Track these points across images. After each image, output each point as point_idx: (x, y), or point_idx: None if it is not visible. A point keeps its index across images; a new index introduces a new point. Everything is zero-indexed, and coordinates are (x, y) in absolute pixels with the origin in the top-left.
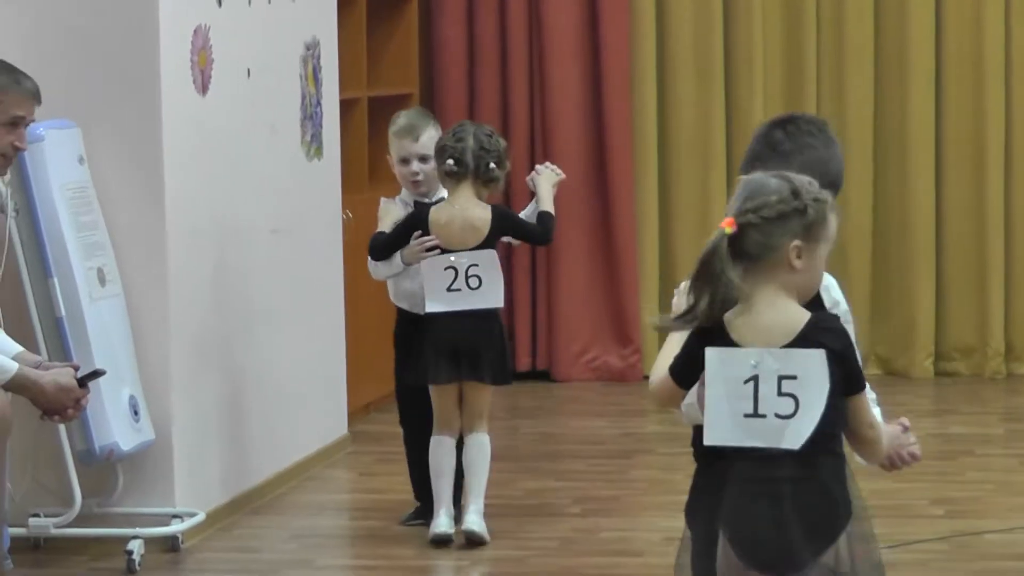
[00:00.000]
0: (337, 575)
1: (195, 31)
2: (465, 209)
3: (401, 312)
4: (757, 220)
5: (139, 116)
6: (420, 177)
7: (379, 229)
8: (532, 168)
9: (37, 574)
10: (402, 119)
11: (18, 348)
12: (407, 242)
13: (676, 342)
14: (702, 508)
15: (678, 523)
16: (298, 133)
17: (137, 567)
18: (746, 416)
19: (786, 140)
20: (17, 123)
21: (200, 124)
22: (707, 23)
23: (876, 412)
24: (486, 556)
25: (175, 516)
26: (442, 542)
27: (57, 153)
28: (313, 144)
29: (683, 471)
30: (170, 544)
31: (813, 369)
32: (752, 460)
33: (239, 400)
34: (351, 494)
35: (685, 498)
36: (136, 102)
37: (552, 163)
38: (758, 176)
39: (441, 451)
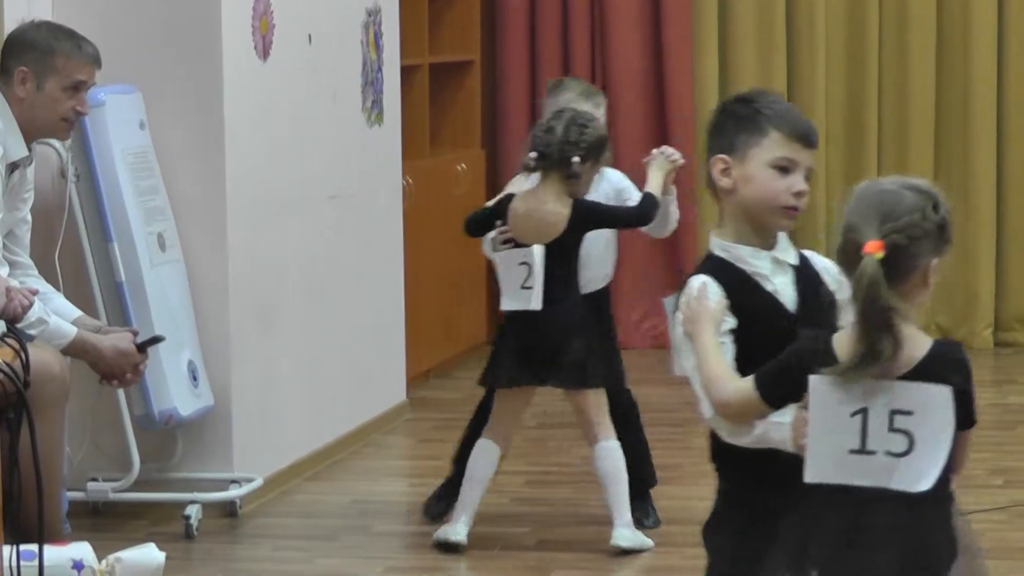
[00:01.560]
0: (395, 541)
1: None
2: (544, 203)
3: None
4: (905, 241)
5: (200, 81)
6: None
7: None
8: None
9: (95, 538)
10: (577, 85)
11: (78, 313)
12: (492, 226)
13: (712, 342)
14: (734, 534)
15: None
16: (359, 99)
17: (195, 532)
18: (852, 452)
19: (747, 105)
20: (79, 87)
21: (261, 90)
22: None
23: None
24: (545, 524)
25: (233, 481)
26: (450, 549)
27: (118, 118)
28: (374, 110)
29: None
30: (228, 509)
31: (936, 407)
32: (849, 502)
33: (298, 366)
34: (409, 460)
35: None
36: (197, 67)
37: (609, 135)
38: (886, 188)
39: (483, 455)
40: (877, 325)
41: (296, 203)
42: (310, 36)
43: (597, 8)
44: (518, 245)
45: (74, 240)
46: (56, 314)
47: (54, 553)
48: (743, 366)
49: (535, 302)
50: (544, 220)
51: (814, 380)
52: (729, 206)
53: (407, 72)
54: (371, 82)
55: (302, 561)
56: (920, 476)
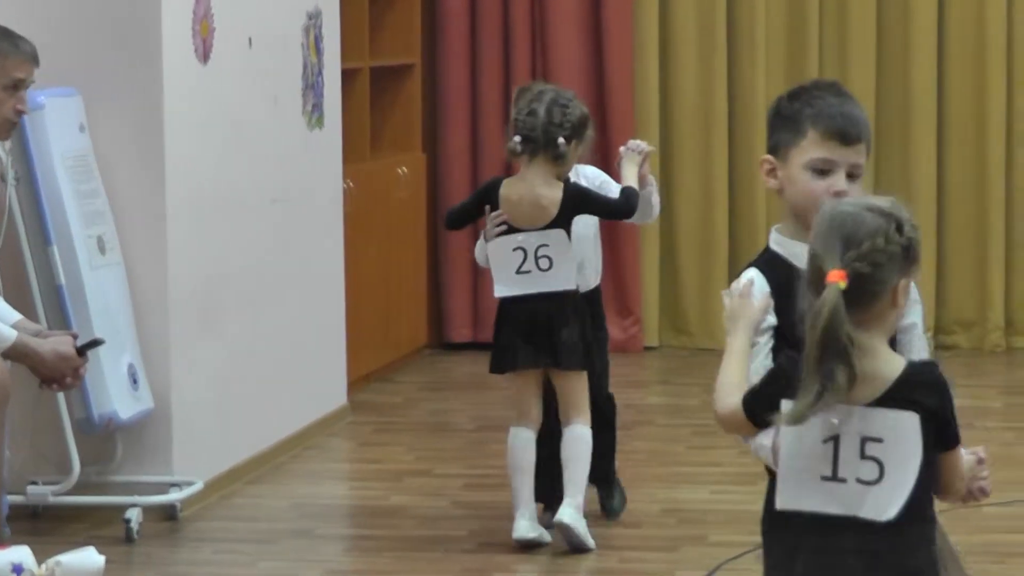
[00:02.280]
0: (336, 544)
1: (197, 0)
2: (534, 187)
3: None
4: (868, 268)
5: (140, 84)
6: None
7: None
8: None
9: (35, 542)
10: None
11: (17, 316)
12: (478, 213)
13: (741, 346)
14: (777, 528)
15: (676, 494)
16: (300, 102)
17: (135, 535)
18: (824, 479)
19: (792, 103)
20: (18, 86)
21: (201, 93)
22: None
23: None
24: (484, 526)
25: (173, 485)
26: (528, 546)
27: (58, 121)
28: (315, 114)
29: (683, 443)
30: (168, 513)
31: (903, 434)
32: (825, 528)
33: (238, 369)
34: (350, 463)
35: (685, 470)
36: (137, 70)
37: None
38: (846, 212)
39: (519, 445)
40: (834, 357)
41: (237, 206)
42: (250, 39)
43: (537, 11)
44: (511, 231)
45: (13, 243)
46: None
47: None
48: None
49: (567, 282)
50: (536, 204)
51: (786, 405)
52: (783, 204)
53: (348, 76)
54: (312, 85)
55: (243, 564)
56: (888, 505)
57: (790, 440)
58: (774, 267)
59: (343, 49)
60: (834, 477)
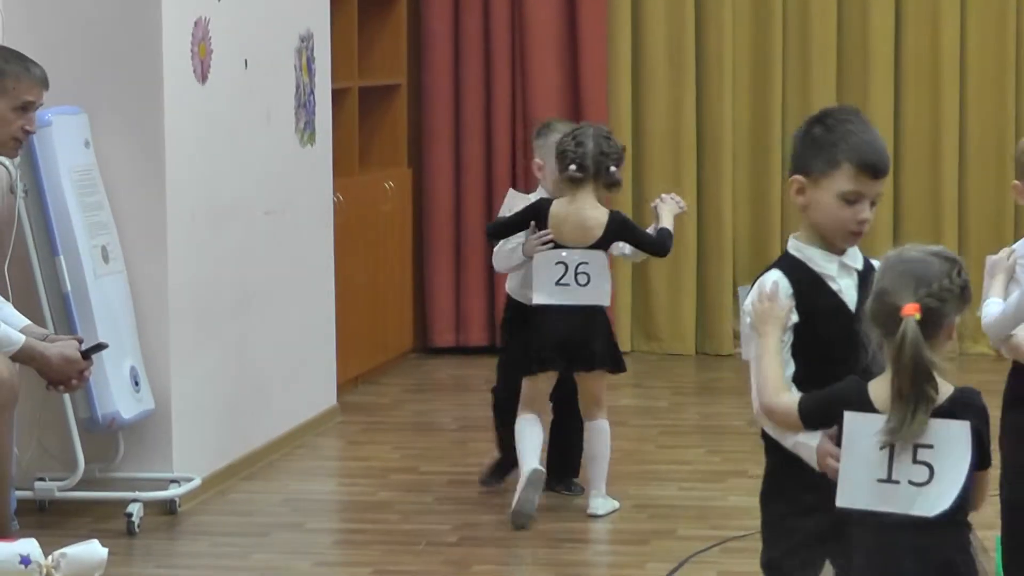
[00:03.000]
0: (326, 537)
1: (195, 23)
2: (582, 209)
3: (514, 302)
4: (936, 304)
5: (142, 103)
6: None
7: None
8: (518, 154)
9: (42, 535)
10: (564, 126)
11: (25, 321)
12: (523, 228)
13: (775, 345)
14: (784, 505)
15: (647, 491)
16: (292, 120)
17: (136, 529)
18: (879, 481)
19: (827, 133)
20: (27, 108)
21: (199, 111)
22: (680, 21)
23: None
24: (466, 521)
25: (173, 481)
26: (537, 478)
27: (64, 137)
28: (306, 131)
29: (652, 442)
30: (168, 507)
31: (954, 441)
32: (878, 527)
33: (234, 372)
34: (339, 461)
35: (654, 467)
36: (139, 90)
37: (528, 154)
38: (915, 257)
39: (530, 426)
40: (924, 377)
41: (233, 218)
42: (246, 61)
43: (517, 36)
44: (556, 247)
45: (22, 253)
46: (5, 323)
47: (2, 549)
48: (804, 355)
49: (602, 298)
50: (584, 224)
51: (849, 417)
52: (805, 217)
53: (338, 95)
54: (304, 104)
55: (238, 556)
56: (938, 503)
57: (851, 447)
58: (795, 268)
59: (333, 70)
60: (889, 479)
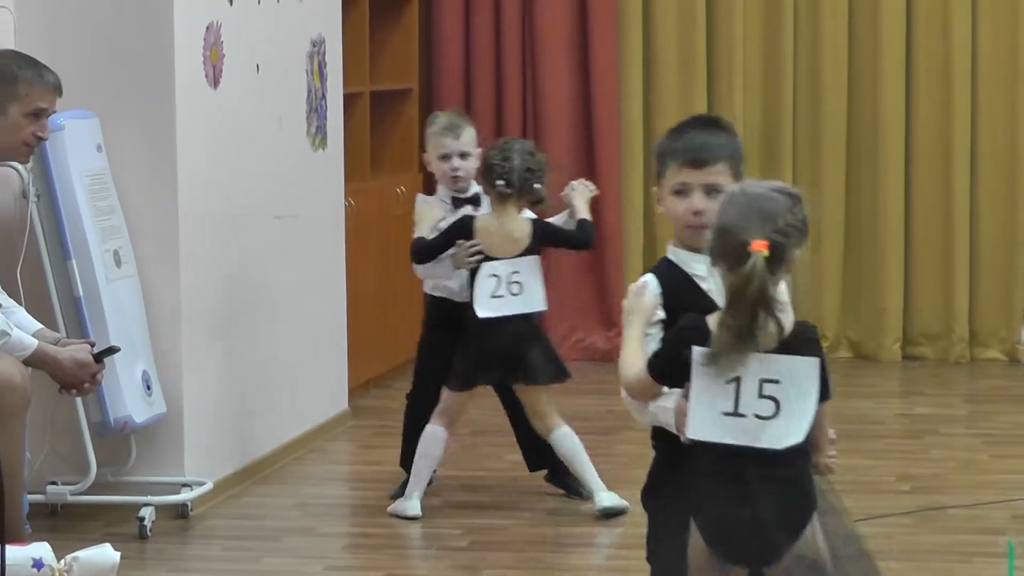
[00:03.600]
0: (338, 542)
1: (207, 28)
2: (506, 223)
3: (434, 300)
4: (782, 239)
5: (154, 108)
6: (460, 173)
7: (417, 231)
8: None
9: (54, 538)
10: (443, 119)
11: (38, 325)
12: (449, 247)
13: (636, 333)
14: (669, 495)
15: None
16: (304, 125)
17: (148, 533)
18: (725, 414)
19: (669, 143)
20: (40, 114)
21: (211, 116)
22: (691, 23)
23: None
24: (476, 525)
25: (185, 485)
26: (407, 519)
27: (77, 142)
28: (318, 135)
29: None
30: (180, 511)
31: (803, 376)
32: (726, 456)
33: (246, 376)
34: (351, 466)
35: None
36: (152, 95)
37: (553, 158)
38: (758, 192)
39: (434, 440)
40: (766, 312)
41: (245, 222)
42: (258, 65)
43: (528, 39)
44: (486, 260)
45: (35, 257)
46: (18, 327)
47: (15, 552)
48: None
49: (537, 304)
50: (510, 236)
51: (696, 352)
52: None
53: (349, 99)
54: (315, 109)
55: (250, 561)
56: (786, 436)
57: (699, 381)
58: (668, 271)
59: (345, 74)
60: (735, 412)
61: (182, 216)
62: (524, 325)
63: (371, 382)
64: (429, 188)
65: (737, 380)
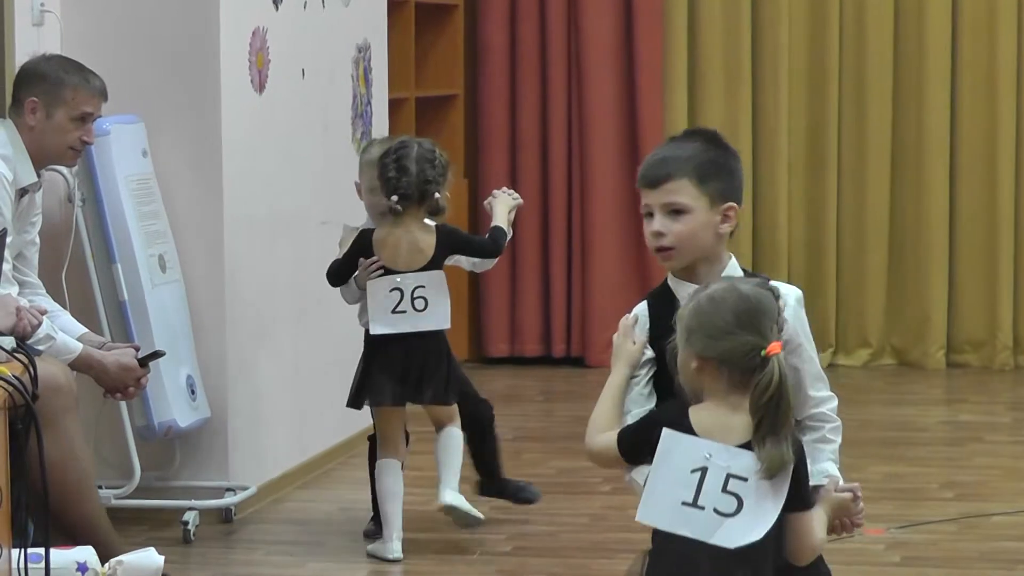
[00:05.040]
0: None
1: (253, 33)
2: (409, 231)
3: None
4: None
5: (200, 113)
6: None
7: (338, 255)
8: (574, 165)
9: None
10: (375, 148)
11: (83, 329)
12: (354, 266)
13: (617, 382)
14: None
15: None
16: (349, 130)
17: (192, 537)
18: (684, 504)
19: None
20: (85, 119)
21: (257, 121)
22: (736, 32)
23: (831, 467)
24: (520, 531)
25: (229, 489)
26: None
27: (122, 146)
28: (363, 141)
29: None
30: (224, 515)
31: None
32: (684, 544)
33: (291, 380)
34: None
35: None
36: (197, 100)
37: (583, 164)
38: (751, 292)
39: (388, 473)
40: (790, 411)
41: (289, 228)
42: (303, 71)
43: (574, 46)
44: (387, 273)
45: (80, 261)
46: (63, 331)
47: (60, 556)
48: (661, 390)
49: (441, 321)
50: (415, 246)
51: (666, 433)
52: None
53: (394, 105)
54: (360, 114)
55: (293, 565)
56: (742, 536)
57: (661, 464)
58: (662, 296)
59: (390, 80)
60: (694, 504)
61: (227, 221)
62: (431, 341)
63: None
64: (474, 194)
65: (703, 471)
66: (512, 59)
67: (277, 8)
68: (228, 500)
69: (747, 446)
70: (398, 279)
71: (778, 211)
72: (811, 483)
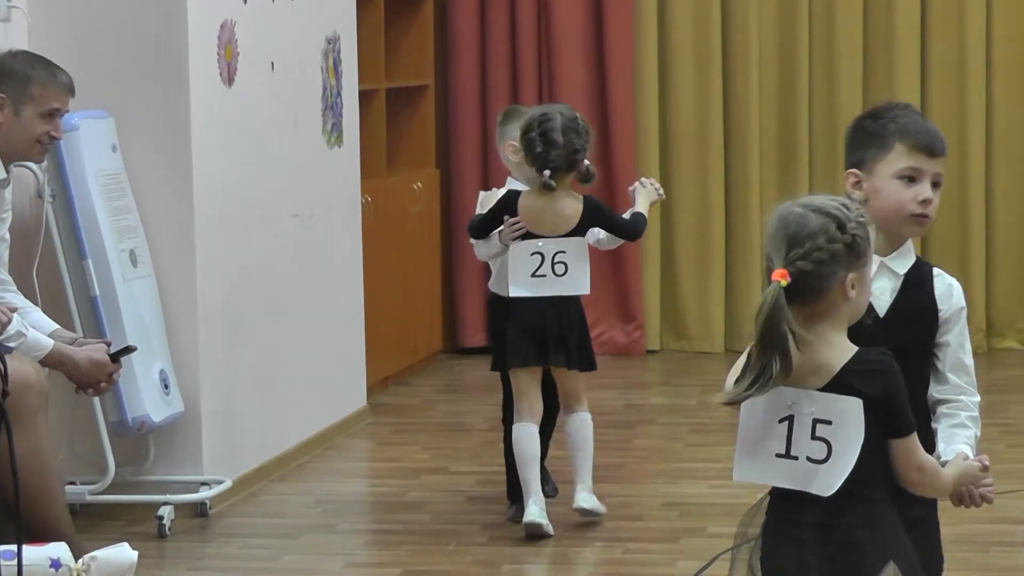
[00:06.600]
0: (357, 538)
1: (221, 26)
2: (556, 198)
3: (499, 298)
4: (810, 266)
5: (169, 107)
6: None
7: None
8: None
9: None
10: (521, 111)
11: (54, 326)
12: (499, 223)
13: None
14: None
15: (676, 489)
16: (319, 122)
17: (168, 531)
18: (777, 456)
19: (876, 121)
20: (54, 114)
21: (226, 114)
22: (706, 20)
23: (966, 448)
24: (495, 520)
25: (203, 483)
26: (536, 534)
27: (92, 142)
28: (333, 133)
29: (682, 441)
30: (199, 510)
31: (848, 417)
32: (785, 500)
33: (264, 374)
34: (369, 462)
35: (684, 466)
36: (166, 94)
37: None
38: (793, 213)
39: (526, 438)
40: (772, 347)
41: (261, 221)
42: (273, 63)
43: (544, 35)
44: (528, 237)
45: (51, 257)
46: (34, 328)
47: (33, 552)
48: None
49: (580, 287)
50: (560, 214)
51: (727, 388)
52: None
53: (365, 96)
54: (331, 106)
55: (269, 559)
56: (832, 481)
57: (747, 418)
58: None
59: (360, 71)
60: (787, 454)
61: (198, 215)
62: (566, 310)
63: (389, 379)
64: (446, 184)
65: (790, 419)
66: (482, 49)
67: (245, 1)
68: (203, 494)
69: (827, 388)
70: (540, 243)
71: (750, 200)
72: (941, 460)
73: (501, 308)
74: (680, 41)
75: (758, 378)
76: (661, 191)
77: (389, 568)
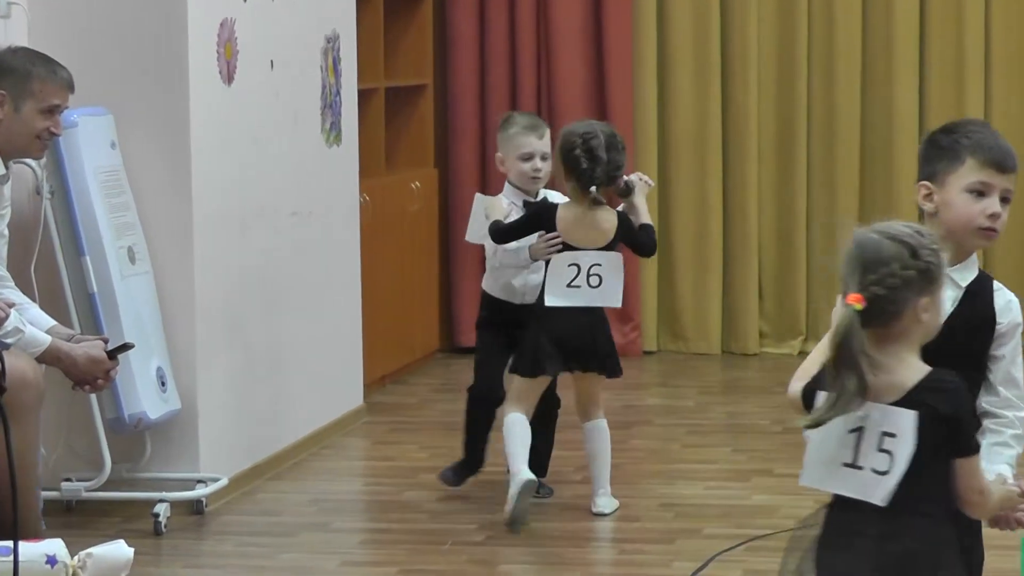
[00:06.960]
0: (353, 537)
1: (221, 24)
2: (596, 212)
3: (491, 299)
4: (883, 291)
5: (168, 104)
6: (541, 175)
7: (492, 220)
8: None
9: (69, 535)
10: (522, 118)
11: (52, 322)
12: (529, 232)
13: (823, 346)
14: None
15: (673, 490)
16: (318, 121)
17: (163, 529)
18: (844, 465)
19: (948, 135)
20: (53, 110)
21: (225, 112)
22: (705, 21)
23: (1006, 469)
24: (492, 520)
25: (199, 481)
26: (531, 488)
27: (91, 138)
28: (332, 131)
29: (678, 442)
30: (195, 507)
31: (904, 429)
32: (845, 511)
33: (261, 372)
34: (366, 461)
35: (680, 467)
36: (166, 91)
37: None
38: (869, 239)
39: (518, 423)
40: (845, 368)
41: (259, 219)
42: (272, 62)
43: (543, 36)
44: (566, 249)
45: (49, 254)
46: (32, 324)
47: (29, 549)
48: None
49: (614, 300)
50: (598, 227)
51: (821, 396)
52: (932, 226)
53: (364, 95)
54: (330, 105)
55: (264, 556)
56: (885, 492)
57: (821, 428)
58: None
59: (359, 70)
60: (854, 464)
61: (196, 212)
62: (595, 318)
63: (386, 378)
64: (444, 184)
65: (860, 430)
66: (482, 48)
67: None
68: (199, 492)
69: (904, 403)
70: (578, 255)
71: (747, 201)
72: None
73: (492, 306)
74: (679, 42)
75: (837, 400)
76: (650, 181)
77: (385, 567)
